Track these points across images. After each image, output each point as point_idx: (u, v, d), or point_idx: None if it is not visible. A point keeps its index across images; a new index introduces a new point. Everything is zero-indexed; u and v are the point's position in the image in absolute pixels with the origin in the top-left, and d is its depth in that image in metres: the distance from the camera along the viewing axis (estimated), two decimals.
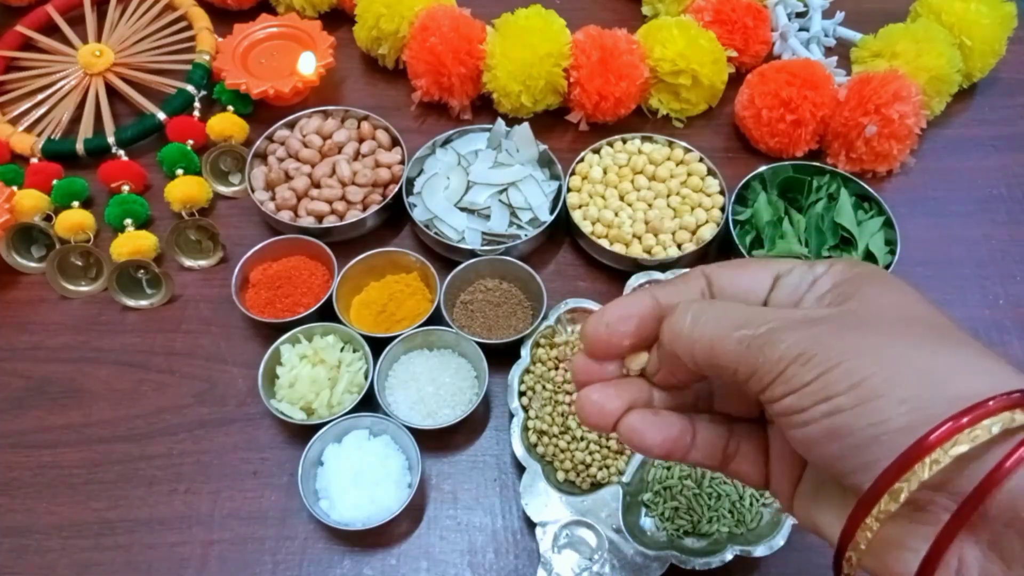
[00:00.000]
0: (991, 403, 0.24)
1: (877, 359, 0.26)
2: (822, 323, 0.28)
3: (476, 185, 0.69)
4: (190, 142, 0.73)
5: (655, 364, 0.34)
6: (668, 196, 0.69)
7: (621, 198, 0.69)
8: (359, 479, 0.55)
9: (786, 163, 0.70)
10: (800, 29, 0.82)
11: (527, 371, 0.60)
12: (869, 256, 0.64)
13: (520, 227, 0.68)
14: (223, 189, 0.74)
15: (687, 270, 0.39)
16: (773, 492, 0.34)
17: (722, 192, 0.69)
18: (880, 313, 0.29)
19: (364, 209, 0.69)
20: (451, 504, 0.58)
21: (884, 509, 0.26)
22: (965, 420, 0.24)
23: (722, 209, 0.68)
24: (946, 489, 0.26)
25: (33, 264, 0.69)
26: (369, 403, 0.59)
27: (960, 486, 0.25)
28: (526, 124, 0.71)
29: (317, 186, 0.70)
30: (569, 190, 0.70)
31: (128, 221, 0.69)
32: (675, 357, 0.32)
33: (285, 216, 0.69)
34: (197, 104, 0.77)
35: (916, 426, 0.25)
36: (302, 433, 0.58)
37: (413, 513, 0.57)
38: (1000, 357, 0.27)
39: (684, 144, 0.72)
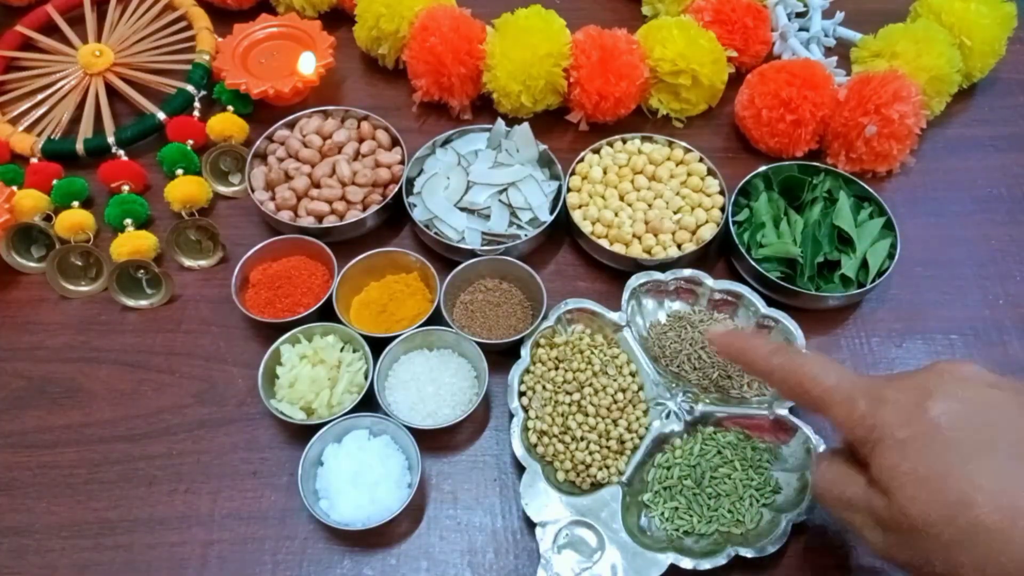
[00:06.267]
0: None
1: None
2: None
3: (476, 185, 0.69)
4: (190, 142, 0.73)
5: None
6: (668, 196, 0.69)
7: (621, 198, 0.69)
8: (359, 479, 0.55)
9: (787, 163, 0.70)
10: (800, 29, 0.82)
11: (527, 371, 0.60)
12: (864, 265, 0.64)
13: (520, 227, 0.68)
14: (223, 189, 0.74)
15: None
16: None
17: (722, 192, 0.69)
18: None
19: (364, 209, 0.69)
20: (451, 504, 0.58)
21: None
22: None
23: (722, 209, 0.68)
24: None
25: (33, 264, 0.69)
26: (369, 403, 0.59)
27: None
28: (526, 124, 0.71)
29: (317, 186, 0.70)
30: (569, 190, 0.70)
31: (128, 221, 0.69)
32: None
33: (285, 216, 0.69)
34: (197, 104, 0.77)
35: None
36: (302, 433, 0.58)
37: (413, 513, 0.57)
38: None
39: (684, 144, 0.72)
